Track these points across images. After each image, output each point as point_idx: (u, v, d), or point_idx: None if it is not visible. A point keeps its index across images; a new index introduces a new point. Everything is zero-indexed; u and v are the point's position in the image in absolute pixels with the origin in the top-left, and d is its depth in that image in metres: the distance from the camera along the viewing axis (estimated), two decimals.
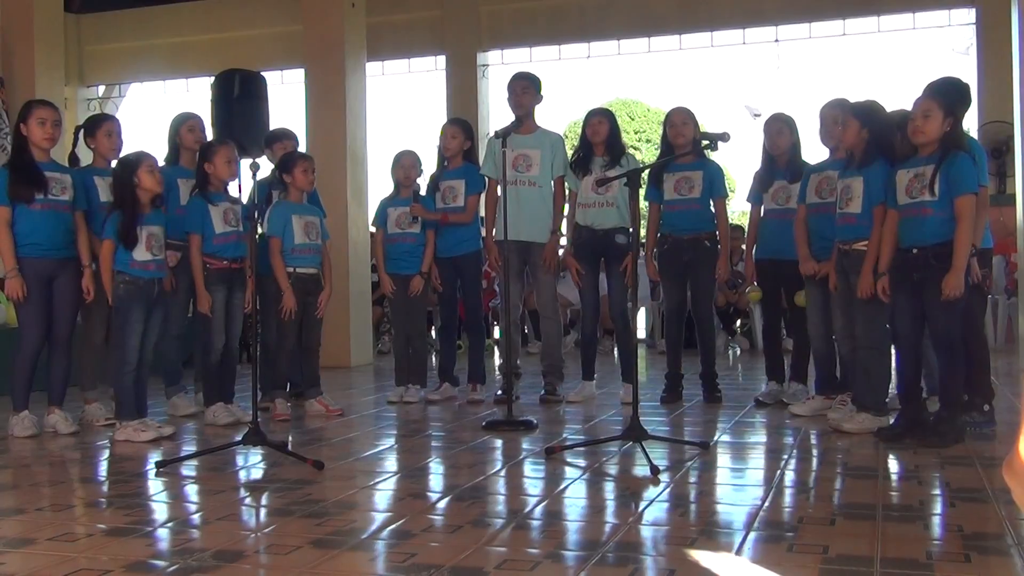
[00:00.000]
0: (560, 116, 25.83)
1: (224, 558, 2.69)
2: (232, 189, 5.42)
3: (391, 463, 4.30)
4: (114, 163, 5.10)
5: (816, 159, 5.45)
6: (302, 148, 6.74)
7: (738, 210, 17.60)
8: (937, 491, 3.53)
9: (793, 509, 3.28)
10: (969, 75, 9.27)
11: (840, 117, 4.98)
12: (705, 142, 4.62)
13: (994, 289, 8.70)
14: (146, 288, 4.86)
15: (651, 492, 3.48)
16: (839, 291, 4.87)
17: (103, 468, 4.39)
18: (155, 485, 3.82)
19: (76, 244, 5.04)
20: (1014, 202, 7.93)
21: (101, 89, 13.65)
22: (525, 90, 5.87)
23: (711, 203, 5.75)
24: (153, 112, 12.31)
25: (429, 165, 6.31)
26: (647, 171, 5.48)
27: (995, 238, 5.45)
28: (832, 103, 5.20)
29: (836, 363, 5.26)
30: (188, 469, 4.08)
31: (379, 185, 8.21)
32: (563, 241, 6.24)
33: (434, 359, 7.39)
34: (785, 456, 4.26)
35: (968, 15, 10.67)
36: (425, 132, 26.01)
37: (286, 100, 11.29)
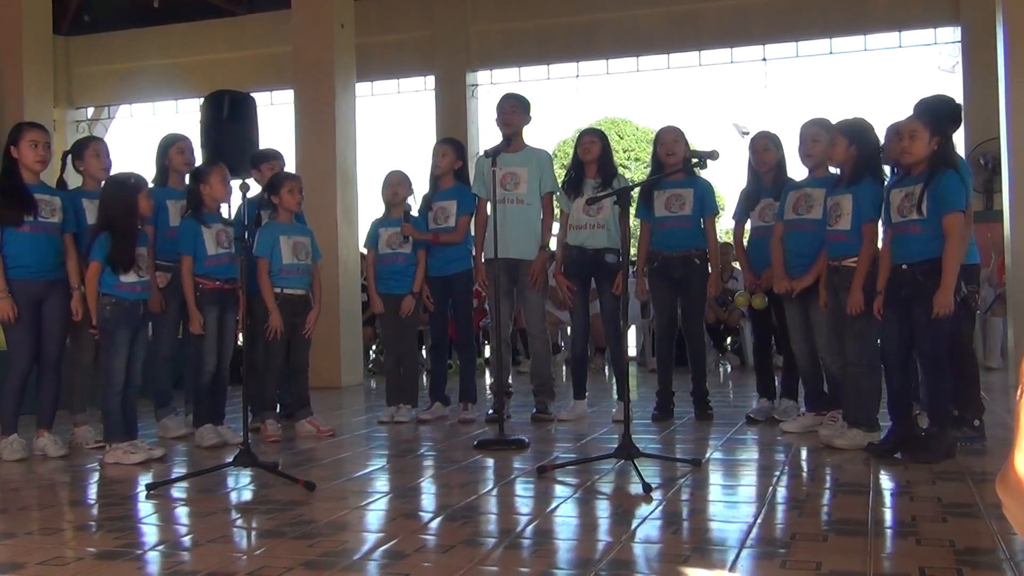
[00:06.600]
0: (549, 136, 25.90)
1: None
2: (223, 211, 5.41)
3: (382, 483, 4.29)
4: (103, 183, 5.06)
5: (802, 177, 5.47)
6: (291, 168, 6.74)
7: (727, 227, 17.67)
8: (929, 506, 3.53)
9: (785, 525, 3.28)
10: (955, 93, 9.34)
11: (819, 134, 5.02)
12: (694, 160, 4.65)
13: (980, 306, 8.71)
14: (132, 310, 4.84)
15: (643, 510, 3.48)
16: (829, 308, 4.89)
17: (93, 491, 4.36)
18: (145, 507, 3.80)
19: (65, 266, 5.03)
20: (1001, 218, 7.98)
21: (90, 111, 13.66)
22: (514, 108, 5.90)
23: (701, 221, 5.79)
24: (142, 134, 12.34)
25: (420, 185, 6.33)
26: (637, 189, 5.51)
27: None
28: (812, 122, 5.22)
29: (823, 379, 5.27)
30: (178, 491, 4.06)
31: (369, 205, 8.23)
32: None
33: (425, 378, 7.38)
34: (777, 473, 4.26)
35: (953, 33, 10.78)
36: (415, 152, 26.08)
37: (275, 121, 11.33)
